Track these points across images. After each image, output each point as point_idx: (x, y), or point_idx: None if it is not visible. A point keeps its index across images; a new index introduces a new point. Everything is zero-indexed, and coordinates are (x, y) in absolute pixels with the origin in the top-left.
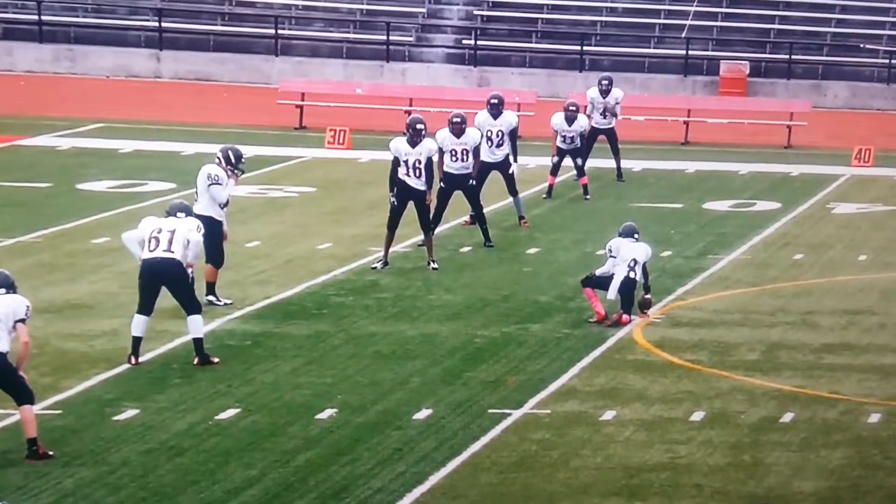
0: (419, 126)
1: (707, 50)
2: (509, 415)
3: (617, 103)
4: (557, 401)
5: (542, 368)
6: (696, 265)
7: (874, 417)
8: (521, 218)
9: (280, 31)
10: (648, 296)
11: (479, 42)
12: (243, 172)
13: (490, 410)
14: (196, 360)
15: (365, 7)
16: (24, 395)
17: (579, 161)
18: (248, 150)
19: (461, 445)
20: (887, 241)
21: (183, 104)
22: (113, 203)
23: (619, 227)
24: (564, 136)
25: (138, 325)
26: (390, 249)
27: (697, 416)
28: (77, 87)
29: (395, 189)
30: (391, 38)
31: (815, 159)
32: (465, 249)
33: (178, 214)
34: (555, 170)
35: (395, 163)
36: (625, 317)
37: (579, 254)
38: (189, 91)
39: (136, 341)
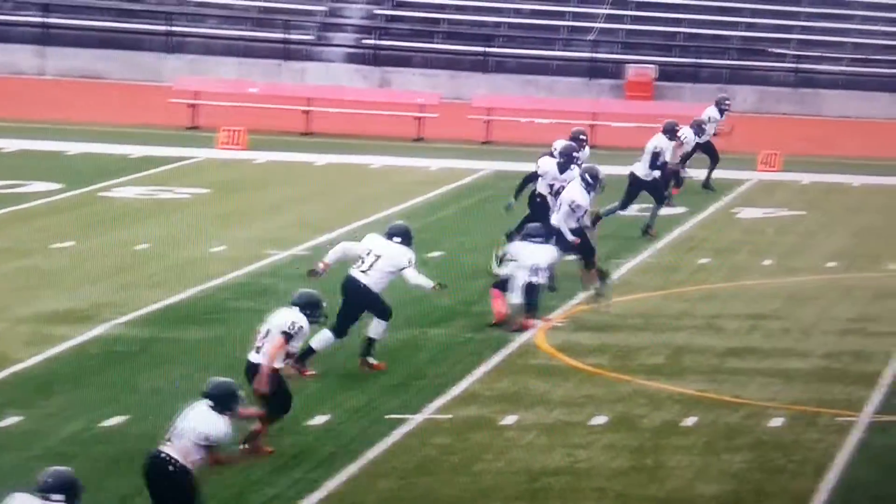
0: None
1: (614, 53)
2: (409, 419)
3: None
4: (459, 405)
5: (443, 372)
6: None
7: (777, 421)
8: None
9: (172, 28)
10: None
11: (380, 42)
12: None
13: (389, 416)
14: (360, 362)
15: (262, 4)
16: None
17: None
18: (137, 150)
19: (359, 451)
20: (792, 246)
21: (70, 102)
22: None
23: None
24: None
25: (322, 339)
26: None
27: (600, 420)
28: None
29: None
30: (291, 36)
31: (721, 163)
32: None
33: (394, 239)
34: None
35: (533, 178)
36: (528, 321)
37: (483, 257)
38: (76, 89)
39: (309, 351)
